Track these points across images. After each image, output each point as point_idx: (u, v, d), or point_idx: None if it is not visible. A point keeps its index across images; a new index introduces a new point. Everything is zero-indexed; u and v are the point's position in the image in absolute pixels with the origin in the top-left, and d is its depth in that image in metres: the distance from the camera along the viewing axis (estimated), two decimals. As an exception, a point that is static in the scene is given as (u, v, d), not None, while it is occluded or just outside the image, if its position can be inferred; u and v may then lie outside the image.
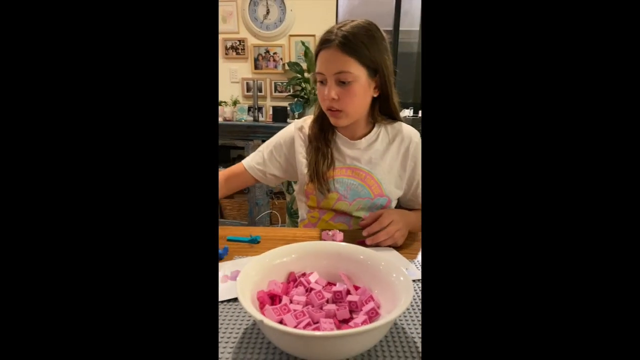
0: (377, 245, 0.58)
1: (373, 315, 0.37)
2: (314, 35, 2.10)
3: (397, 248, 0.59)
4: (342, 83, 0.62)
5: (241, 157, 2.43)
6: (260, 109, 2.16)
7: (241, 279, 0.36)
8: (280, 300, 0.39)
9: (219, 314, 0.41)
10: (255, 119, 2.12)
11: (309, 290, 0.40)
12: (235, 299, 0.43)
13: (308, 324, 0.35)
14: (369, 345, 0.33)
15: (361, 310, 0.38)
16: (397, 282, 0.37)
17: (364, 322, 0.35)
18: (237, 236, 0.63)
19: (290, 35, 2.12)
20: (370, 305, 0.38)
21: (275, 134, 0.80)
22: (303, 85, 2.06)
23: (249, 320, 0.40)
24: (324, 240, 0.61)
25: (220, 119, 2.15)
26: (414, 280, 0.47)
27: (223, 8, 2.12)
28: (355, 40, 0.60)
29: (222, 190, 0.77)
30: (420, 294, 0.45)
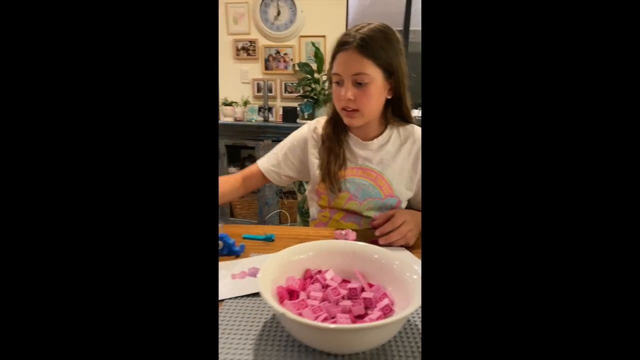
0: (389, 245, 0.59)
1: (387, 311, 0.38)
2: (324, 36, 2.12)
3: (409, 248, 0.60)
4: (358, 84, 0.63)
5: (251, 157, 2.44)
6: (270, 109, 2.19)
7: (262, 275, 0.38)
8: (297, 296, 0.41)
9: (240, 308, 0.43)
10: (266, 119, 2.15)
11: (325, 286, 0.42)
12: (253, 294, 0.45)
13: (325, 319, 0.37)
14: (383, 339, 0.35)
15: (375, 306, 0.39)
16: (410, 280, 0.39)
17: (378, 318, 0.37)
18: (252, 234, 0.65)
19: (301, 36, 2.14)
20: (385, 302, 0.39)
21: (288, 135, 0.82)
22: (313, 85, 2.07)
23: (267, 314, 0.42)
24: (337, 239, 0.63)
25: (230, 119, 2.19)
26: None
27: (234, 9, 2.15)
28: (373, 43, 0.62)
29: (240, 190, 0.80)
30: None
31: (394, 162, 0.73)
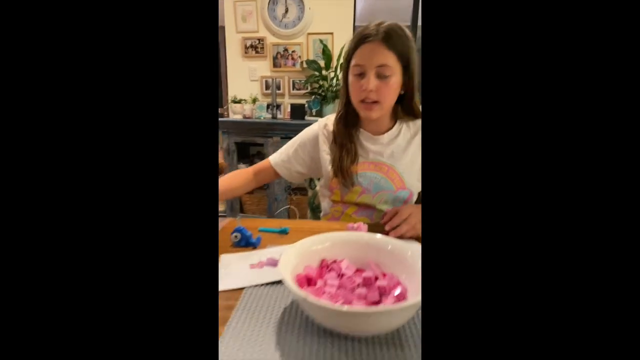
0: (400, 238, 0.61)
1: (401, 298, 0.40)
2: (332, 33, 2.12)
3: (419, 241, 0.62)
4: (381, 76, 0.65)
5: (260, 154, 2.46)
6: (278, 106, 2.21)
7: (282, 263, 0.40)
8: (315, 284, 0.43)
9: (259, 295, 0.46)
10: (274, 117, 2.17)
11: (340, 275, 0.44)
12: (272, 283, 0.48)
13: (342, 304, 0.39)
14: (397, 323, 0.37)
15: (390, 294, 0.41)
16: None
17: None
18: (268, 227, 0.67)
19: (309, 34, 2.15)
20: (398, 290, 0.41)
21: (296, 132, 0.84)
22: (321, 82, 2.08)
23: (286, 300, 0.44)
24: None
25: (239, 117, 2.21)
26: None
27: (243, 7, 2.17)
28: (396, 37, 0.65)
29: (252, 184, 0.82)
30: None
31: (404, 155, 0.74)
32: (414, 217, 0.61)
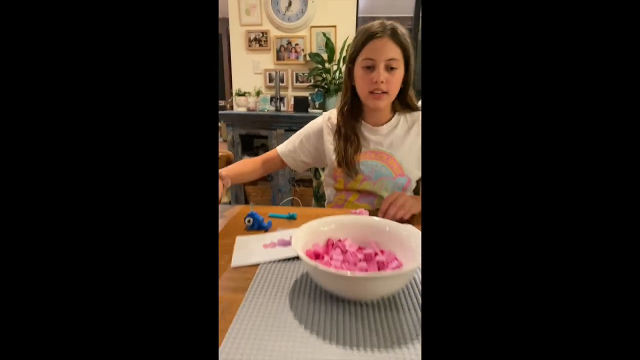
0: (399, 222, 0.67)
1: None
2: (334, 26, 2.15)
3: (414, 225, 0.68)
4: (390, 69, 0.73)
5: (264, 146, 2.51)
6: (282, 99, 2.25)
7: (294, 240, 0.46)
8: (322, 258, 0.49)
9: (273, 269, 0.52)
10: (277, 109, 2.21)
11: (344, 252, 0.50)
12: (283, 260, 0.54)
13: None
14: (394, 288, 0.43)
15: (387, 267, 0.47)
16: (415, 245, 0.47)
17: (390, 276, 0.45)
18: (277, 213, 0.74)
19: (312, 27, 2.18)
20: (395, 263, 0.47)
21: (299, 124, 0.91)
22: (324, 75, 2.12)
23: (297, 274, 0.50)
24: (352, 217, 0.71)
25: (244, 109, 2.26)
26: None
27: (246, 1, 2.19)
28: (400, 34, 0.72)
29: (259, 172, 0.89)
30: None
31: (402, 144, 0.81)
32: (401, 198, 0.69)
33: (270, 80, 2.31)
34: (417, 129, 0.81)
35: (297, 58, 2.25)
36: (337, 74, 2.11)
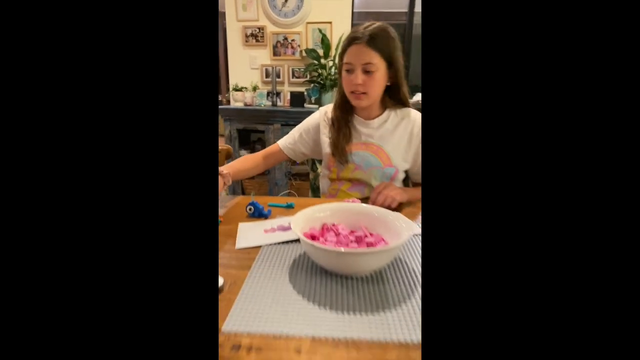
0: (387, 208, 0.73)
1: (384, 250, 0.53)
2: (330, 23, 2.19)
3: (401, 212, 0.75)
4: (367, 72, 0.79)
5: (261, 140, 2.54)
6: (278, 94, 2.29)
7: (294, 223, 0.52)
8: (318, 239, 0.55)
9: (273, 251, 0.58)
10: (274, 104, 2.25)
11: (337, 234, 0.56)
12: (283, 242, 0.60)
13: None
14: (380, 264, 0.49)
15: (376, 247, 0.54)
16: (400, 226, 0.53)
17: (377, 254, 0.51)
18: (276, 203, 0.80)
19: (308, 23, 2.21)
20: (382, 244, 0.54)
21: (296, 119, 0.97)
22: (320, 71, 2.16)
23: (295, 254, 0.56)
24: (345, 205, 0.77)
25: (241, 104, 2.29)
26: (415, 235, 0.63)
27: (243, -4, 2.21)
28: (379, 39, 0.77)
29: (260, 167, 0.95)
30: (420, 243, 0.61)
31: (391, 137, 0.88)
32: (386, 188, 0.76)
33: (267, 76, 2.35)
34: (406, 124, 0.88)
35: (293, 54, 2.28)
36: (333, 69, 2.15)
